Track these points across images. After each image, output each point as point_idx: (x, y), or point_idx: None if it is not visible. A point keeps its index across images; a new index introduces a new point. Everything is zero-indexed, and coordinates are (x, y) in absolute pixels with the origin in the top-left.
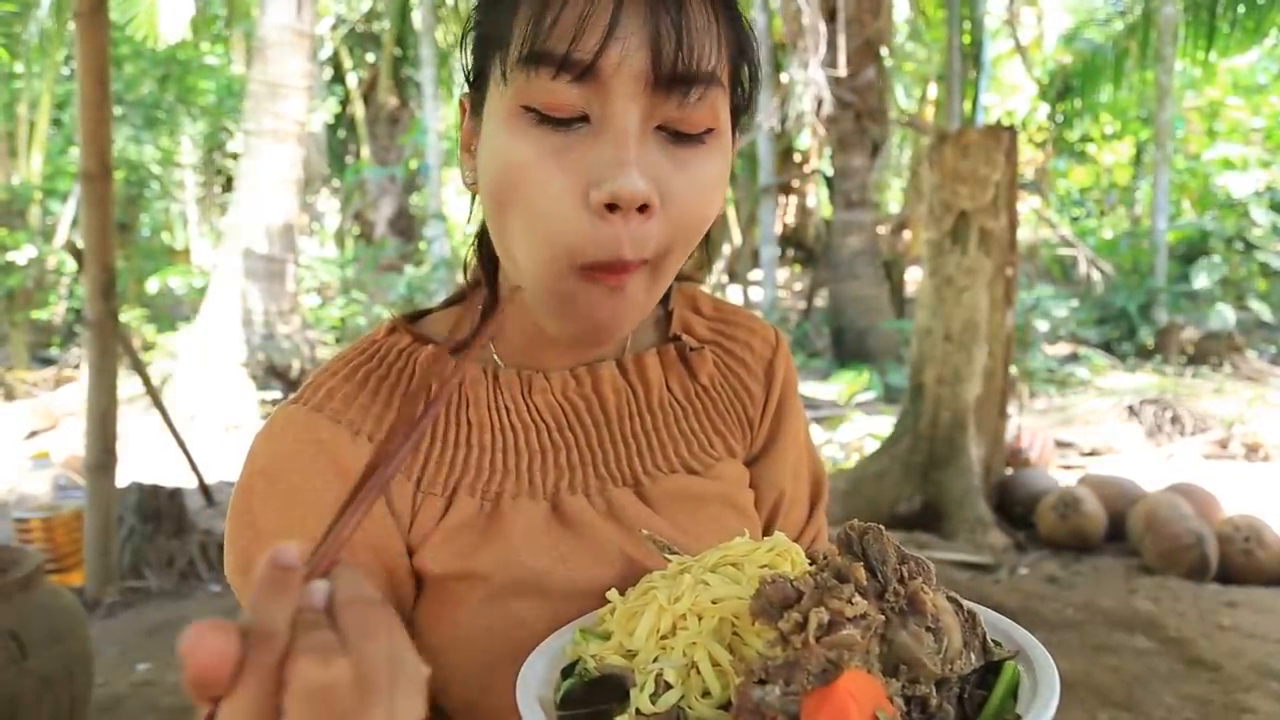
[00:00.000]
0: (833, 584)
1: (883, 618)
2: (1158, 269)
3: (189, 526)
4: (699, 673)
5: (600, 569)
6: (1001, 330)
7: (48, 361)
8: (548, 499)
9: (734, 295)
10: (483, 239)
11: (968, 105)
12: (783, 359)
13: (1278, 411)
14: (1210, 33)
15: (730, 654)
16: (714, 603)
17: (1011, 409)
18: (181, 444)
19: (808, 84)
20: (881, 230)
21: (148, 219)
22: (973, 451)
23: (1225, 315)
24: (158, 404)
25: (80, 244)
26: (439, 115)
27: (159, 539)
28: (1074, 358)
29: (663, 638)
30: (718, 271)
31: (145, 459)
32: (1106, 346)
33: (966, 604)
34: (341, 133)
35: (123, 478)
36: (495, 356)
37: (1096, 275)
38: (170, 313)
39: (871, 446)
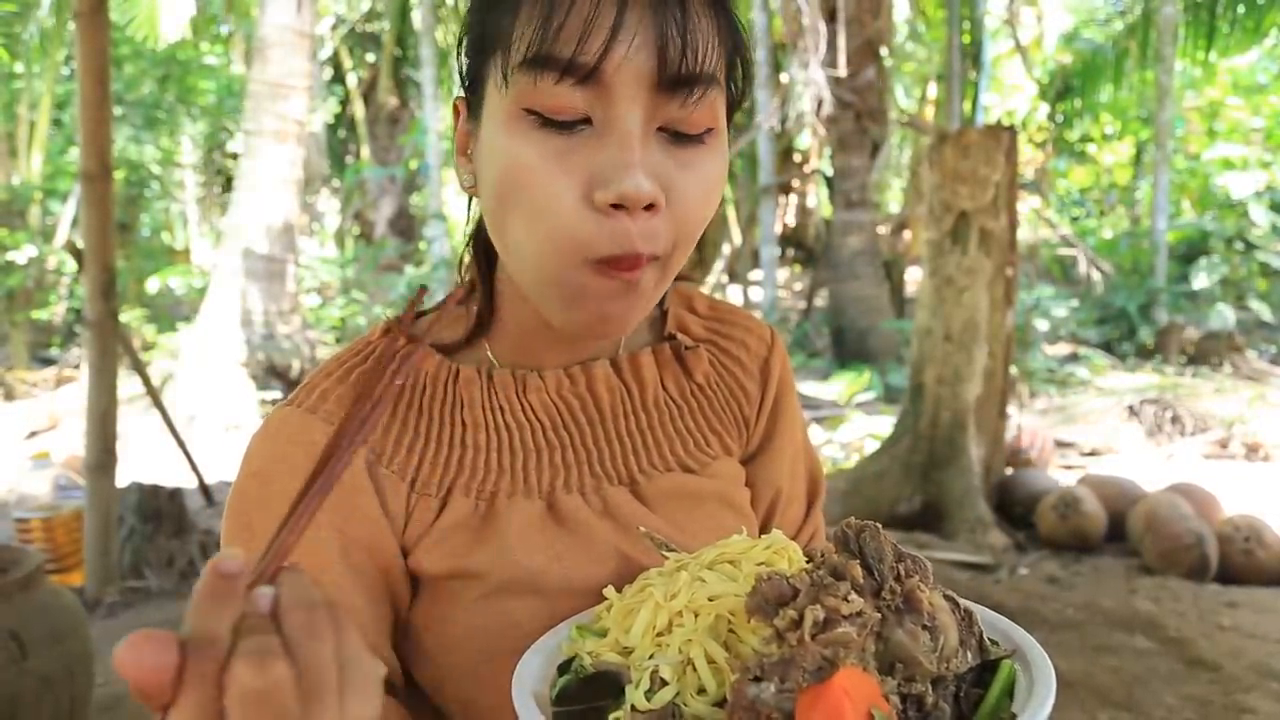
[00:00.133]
0: (829, 581)
1: (879, 615)
2: (1158, 269)
3: (189, 526)
4: (695, 670)
5: (596, 567)
6: (1002, 330)
7: (48, 361)
8: (543, 498)
9: (734, 295)
10: (477, 241)
11: (968, 105)
12: (778, 358)
13: (1278, 411)
14: (1210, 33)
15: (726, 651)
16: (710, 600)
17: (1012, 409)
18: (181, 444)
19: (808, 84)
20: (882, 230)
21: (148, 219)
22: (973, 451)
23: (1225, 315)
24: (158, 404)
25: (80, 244)
26: (439, 115)
27: (159, 539)
28: (1074, 358)
29: (659, 635)
30: (718, 271)
31: (145, 459)
32: (1107, 346)
33: (963, 602)
34: (341, 133)
35: (123, 478)
36: (490, 356)
37: (1096, 275)
38: (170, 313)
39: (872, 446)
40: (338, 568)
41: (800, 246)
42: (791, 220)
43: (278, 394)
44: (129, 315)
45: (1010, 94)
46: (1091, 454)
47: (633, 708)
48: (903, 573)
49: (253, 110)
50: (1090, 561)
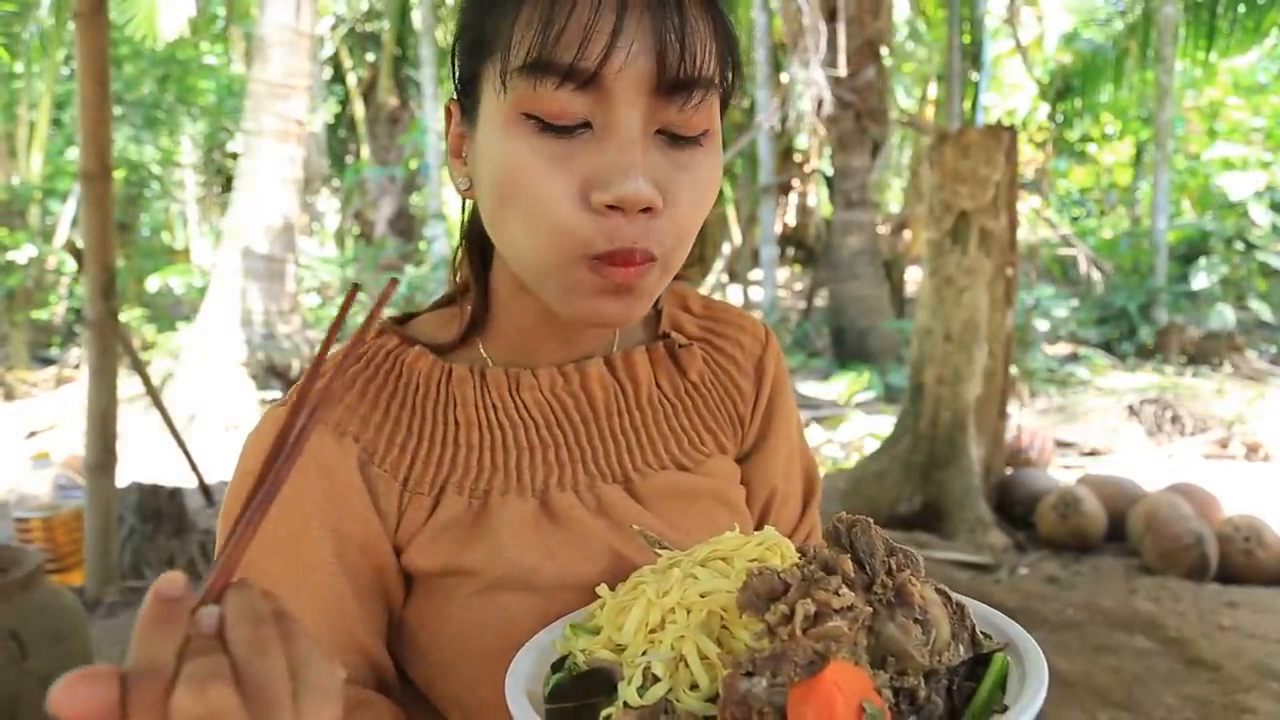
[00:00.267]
0: (820, 576)
1: (870, 610)
2: (1158, 269)
3: (189, 526)
4: (687, 666)
5: (589, 565)
6: (1002, 330)
7: (48, 361)
8: (537, 496)
9: (734, 295)
10: (471, 241)
11: (968, 105)
12: (773, 356)
13: (1278, 411)
14: (1210, 33)
15: (719, 647)
16: (702, 596)
17: (1012, 409)
18: (181, 444)
19: (808, 84)
20: (882, 230)
21: (148, 219)
22: (973, 451)
23: (1225, 315)
24: (158, 404)
25: (80, 244)
26: (439, 115)
27: (159, 539)
28: (1074, 357)
29: (651, 631)
30: (718, 271)
31: (145, 459)
32: (1107, 346)
33: (955, 596)
34: (341, 132)
35: (123, 477)
36: (485, 356)
37: (1097, 275)
38: (170, 312)
39: (871, 446)
40: (330, 566)
41: (800, 246)
42: (792, 220)
43: (278, 394)
44: (129, 315)
45: (1010, 94)
46: (1091, 454)
47: (625, 704)
48: (894, 567)
49: (253, 110)
50: (1090, 561)
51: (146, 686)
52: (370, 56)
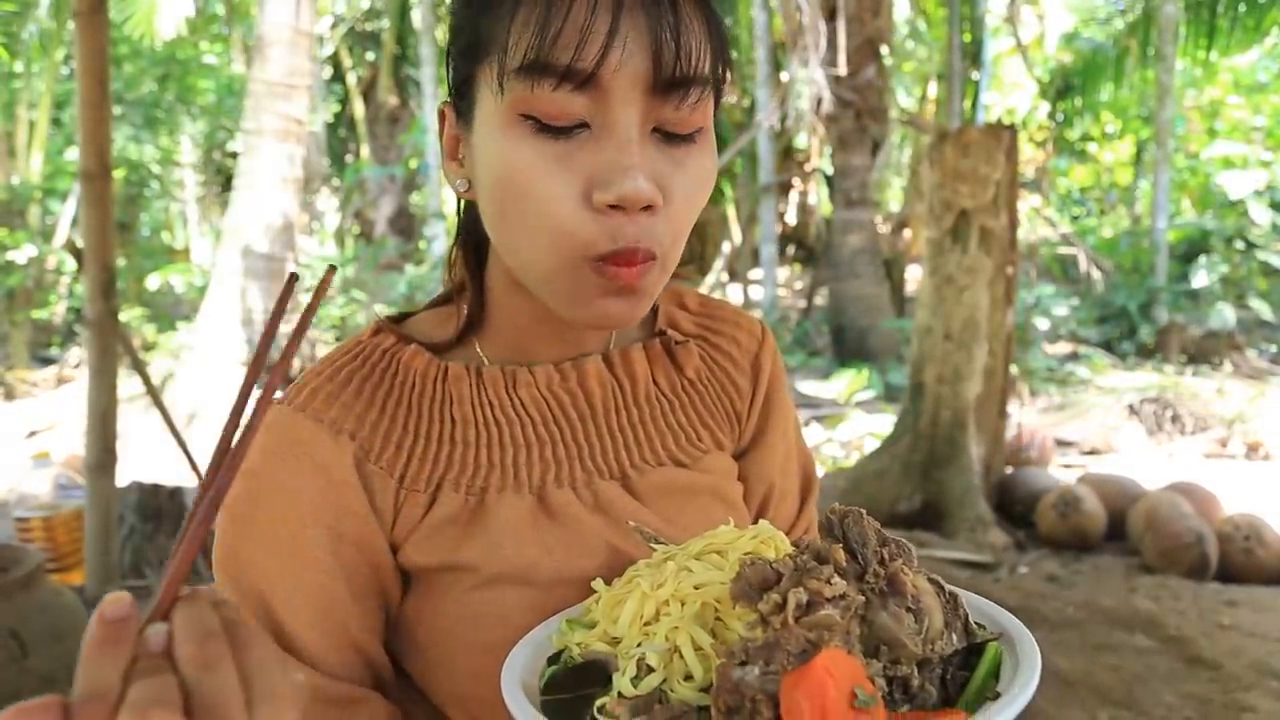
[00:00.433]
0: (812, 565)
1: (863, 598)
2: (1158, 268)
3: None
4: (681, 656)
5: (587, 560)
6: (1002, 329)
7: (48, 361)
8: (534, 493)
9: (734, 294)
10: (466, 240)
11: (968, 104)
12: (769, 353)
13: (1278, 410)
14: (1211, 31)
15: (713, 638)
16: (696, 588)
17: (1012, 408)
18: (181, 443)
19: (808, 83)
20: (882, 229)
21: (147, 218)
22: (973, 450)
23: (1225, 314)
24: (158, 403)
25: (80, 243)
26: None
27: (159, 538)
28: (1074, 356)
29: (646, 624)
30: (718, 270)
31: (145, 458)
32: (1107, 345)
33: (948, 586)
34: (341, 131)
35: (123, 477)
36: (481, 354)
37: (1097, 274)
38: (170, 312)
39: (872, 445)
40: (326, 564)
41: (800, 245)
42: (792, 219)
43: (278, 393)
44: (129, 315)
45: (1011, 92)
46: (1091, 453)
47: (620, 694)
48: (886, 556)
49: (252, 109)
50: (1090, 560)
51: (91, 713)
52: (370, 55)
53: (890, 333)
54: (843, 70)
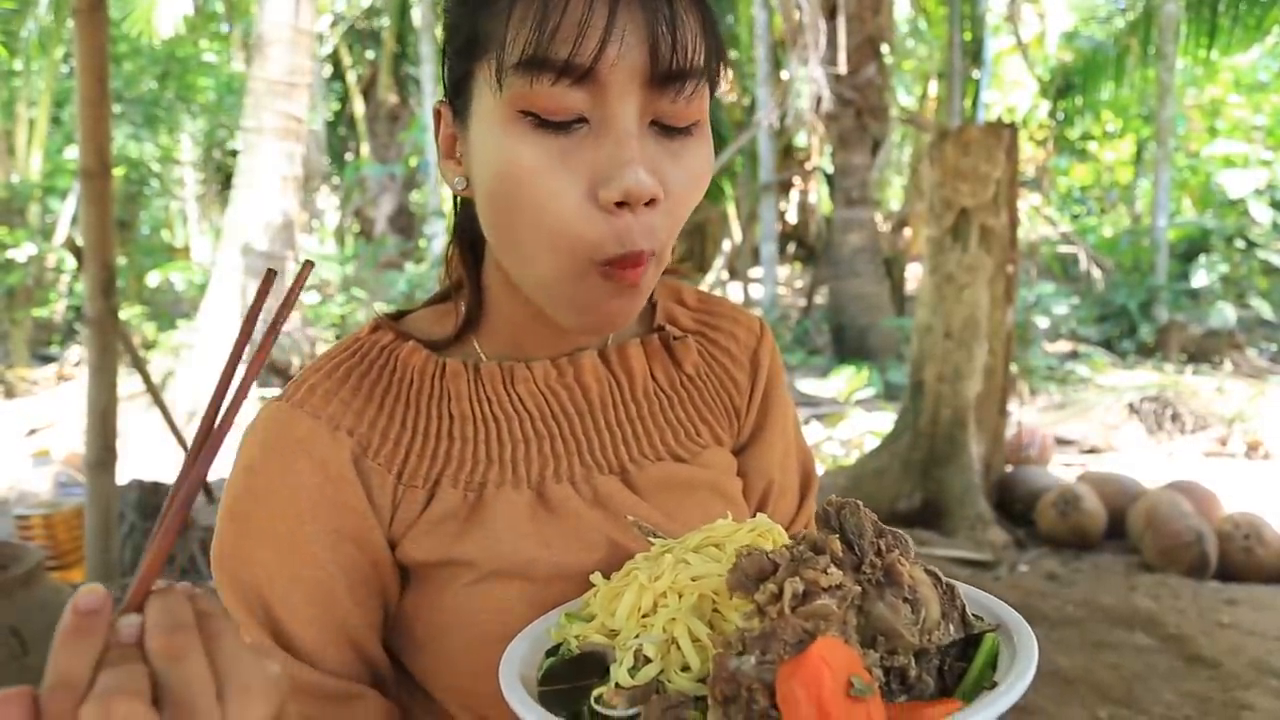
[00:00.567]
0: (808, 556)
1: (859, 589)
2: (1158, 267)
3: (189, 523)
4: (678, 647)
5: (586, 555)
6: (1002, 328)
7: (48, 359)
8: (533, 488)
9: (734, 292)
10: (462, 238)
11: (968, 102)
12: (767, 349)
13: (1278, 409)
14: (1212, 30)
15: (710, 629)
16: (693, 580)
17: (1012, 406)
18: (182, 441)
19: (808, 81)
20: (882, 228)
21: (147, 216)
22: (973, 449)
23: (1226, 313)
24: (158, 401)
25: (80, 241)
26: None
27: None
28: (1074, 355)
29: (643, 616)
30: (718, 269)
31: (146, 456)
32: (1107, 344)
33: (945, 577)
34: (341, 130)
35: (123, 475)
36: (479, 352)
37: (1097, 273)
38: (170, 310)
39: (872, 444)
40: (324, 561)
41: (801, 244)
42: (792, 218)
43: (278, 391)
44: (129, 313)
45: (1011, 91)
46: (1091, 451)
47: (617, 684)
48: (883, 547)
49: (252, 107)
50: (1090, 559)
51: (58, 702)
52: (370, 54)
53: (890, 331)
54: (843, 69)
